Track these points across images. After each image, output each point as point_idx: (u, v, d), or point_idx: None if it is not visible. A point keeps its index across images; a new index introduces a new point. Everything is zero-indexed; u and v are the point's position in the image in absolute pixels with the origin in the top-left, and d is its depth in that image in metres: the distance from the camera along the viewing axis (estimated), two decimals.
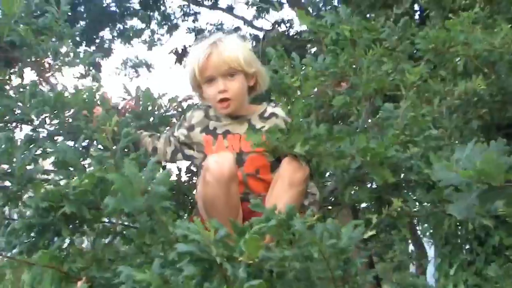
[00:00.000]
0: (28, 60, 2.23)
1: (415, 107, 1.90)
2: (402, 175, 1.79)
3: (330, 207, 2.06)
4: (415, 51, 2.29)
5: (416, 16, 4.91)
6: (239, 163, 1.74)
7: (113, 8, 8.89)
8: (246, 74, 1.83)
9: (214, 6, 8.97)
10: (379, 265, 5.52)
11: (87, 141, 1.93)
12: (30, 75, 2.29)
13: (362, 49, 2.06)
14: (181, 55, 8.52)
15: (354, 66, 2.06)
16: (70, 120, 1.96)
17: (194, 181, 2.07)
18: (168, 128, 2.09)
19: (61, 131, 1.98)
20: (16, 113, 2.00)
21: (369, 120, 2.09)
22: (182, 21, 9.27)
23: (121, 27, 9.02)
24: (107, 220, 1.66)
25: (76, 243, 1.60)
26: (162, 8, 9.13)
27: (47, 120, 1.96)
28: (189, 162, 2.03)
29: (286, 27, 8.16)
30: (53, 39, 2.24)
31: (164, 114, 2.15)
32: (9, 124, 2.02)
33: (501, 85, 2.43)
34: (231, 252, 1.11)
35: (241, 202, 1.66)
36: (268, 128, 1.62)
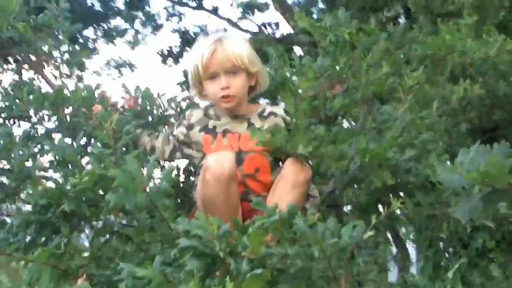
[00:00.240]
0: (26, 56, 2.22)
1: (413, 110, 1.91)
2: (399, 178, 1.79)
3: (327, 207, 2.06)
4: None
5: (402, 20, 4.95)
6: (238, 163, 1.73)
7: (98, 8, 8.85)
8: (248, 73, 1.83)
9: (199, 7, 8.95)
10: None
11: (85, 138, 1.92)
12: (27, 71, 2.28)
13: (361, 51, 2.07)
14: (166, 56, 8.56)
15: (352, 68, 2.07)
16: (69, 117, 1.95)
17: (193, 180, 2.06)
18: (166, 127, 2.09)
19: (58, 129, 1.97)
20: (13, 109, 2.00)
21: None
22: (166, 20, 9.28)
23: (105, 27, 8.98)
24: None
25: (74, 241, 1.60)
26: (147, 8, 9.13)
27: (46, 117, 1.96)
28: (188, 161, 2.03)
29: (272, 29, 8.21)
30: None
31: (162, 114, 2.15)
32: (7, 121, 2.01)
33: (490, 89, 2.47)
34: (234, 247, 1.11)
35: (240, 202, 1.66)
36: (271, 128, 1.62)
